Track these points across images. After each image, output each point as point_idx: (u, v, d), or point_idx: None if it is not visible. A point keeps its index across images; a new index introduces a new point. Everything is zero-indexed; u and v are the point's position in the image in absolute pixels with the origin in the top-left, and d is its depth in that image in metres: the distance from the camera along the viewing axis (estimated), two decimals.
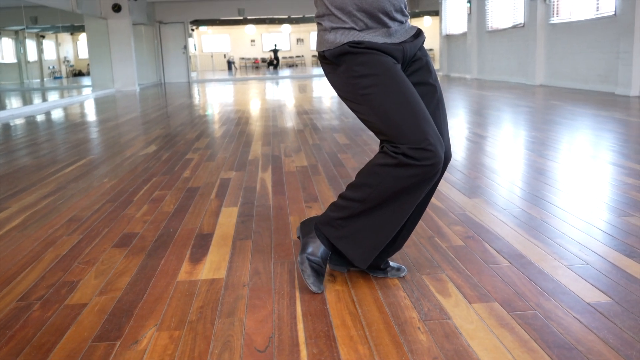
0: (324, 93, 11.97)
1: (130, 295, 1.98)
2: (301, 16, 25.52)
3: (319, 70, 23.59)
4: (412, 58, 1.91)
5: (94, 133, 6.80)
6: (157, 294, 1.98)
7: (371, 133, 5.15)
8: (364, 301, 1.86)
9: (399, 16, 1.86)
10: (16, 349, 1.63)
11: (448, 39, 18.25)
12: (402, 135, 1.73)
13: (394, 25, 1.85)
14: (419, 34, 1.92)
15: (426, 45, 27.64)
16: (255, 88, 15.14)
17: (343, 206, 1.89)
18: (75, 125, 7.77)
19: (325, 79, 17.35)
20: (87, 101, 12.84)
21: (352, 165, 4.10)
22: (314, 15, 1.98)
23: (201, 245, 2.48)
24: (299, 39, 35.61)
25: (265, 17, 26.16)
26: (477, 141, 5.03)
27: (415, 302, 1.84)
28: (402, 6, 1.87)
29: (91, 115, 9.37)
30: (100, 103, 12.01)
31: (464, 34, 16.44)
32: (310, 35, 34.97)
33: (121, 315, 1.83)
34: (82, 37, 24.41)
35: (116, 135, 6.47)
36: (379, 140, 1.86)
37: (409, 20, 1.94)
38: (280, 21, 33.03)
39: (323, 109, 8.61)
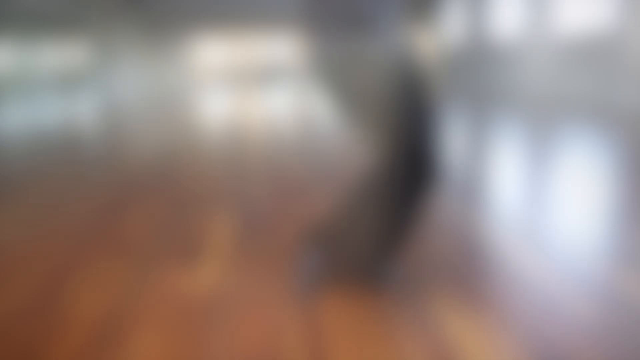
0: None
1: (121, 305, 1.96)
2: None
3: None
4: None
5: None
6: (149, 305, 1.95)
7: None
8: (358, 314, 1.84)
9: None
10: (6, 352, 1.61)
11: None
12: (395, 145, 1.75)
13: None
14: None
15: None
16: None
17: (341, 216, 1.90)
18: None
19: None
20: None
21: None
22: None
23: (195, 255, 2.46)
24: None
25: None
26: None
27: (409, 316, 1.83)
28: None
29: None
30: None
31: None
32: None
33: (111, 325, 1.80)
34: None
35: None
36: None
37: None
38: None
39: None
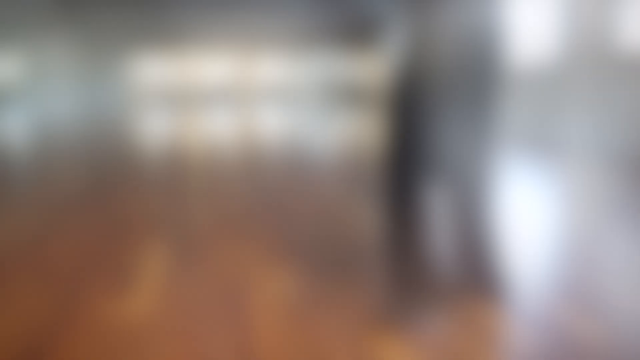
0: None
1: None
2: None
3: None
4: None
5: None
6: (74, 333, 1.77)
7: None
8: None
9: None
10: None
11: None
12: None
13: None
14: None
15: None
16: None
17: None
18: None
19: None
20: None
21: None
22: None
23: (126, 284, 2.35)
24: None
25: None
26: None
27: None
28: None
29: None
30: None
31: None
32: None
33: None
34: None
35: None
36: None
37: None
38: None
39: None
